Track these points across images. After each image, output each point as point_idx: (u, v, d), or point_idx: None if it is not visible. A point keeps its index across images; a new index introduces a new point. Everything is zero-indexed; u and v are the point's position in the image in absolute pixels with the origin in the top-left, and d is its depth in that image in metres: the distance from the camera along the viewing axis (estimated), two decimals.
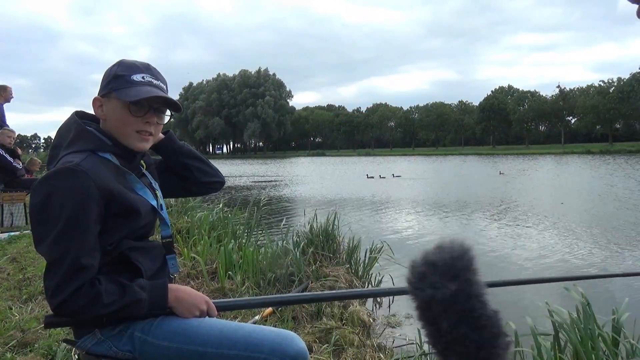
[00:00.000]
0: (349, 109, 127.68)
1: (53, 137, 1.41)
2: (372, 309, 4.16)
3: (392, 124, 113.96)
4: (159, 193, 1.44)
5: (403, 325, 3.80)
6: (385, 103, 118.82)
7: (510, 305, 4.37)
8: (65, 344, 2.28)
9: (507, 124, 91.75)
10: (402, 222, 9.97)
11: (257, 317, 3.02)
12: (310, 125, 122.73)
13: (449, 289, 0.47)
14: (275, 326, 2.75)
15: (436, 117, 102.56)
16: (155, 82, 1.32)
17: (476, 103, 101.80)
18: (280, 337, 1.26)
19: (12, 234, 5.75)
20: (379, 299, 4.33)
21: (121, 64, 1.31)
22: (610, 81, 79.42)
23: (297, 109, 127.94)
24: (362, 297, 3.66)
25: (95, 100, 1.32)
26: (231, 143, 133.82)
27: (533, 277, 5.12)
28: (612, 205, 11.53)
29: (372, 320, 3.56)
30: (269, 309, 3.15)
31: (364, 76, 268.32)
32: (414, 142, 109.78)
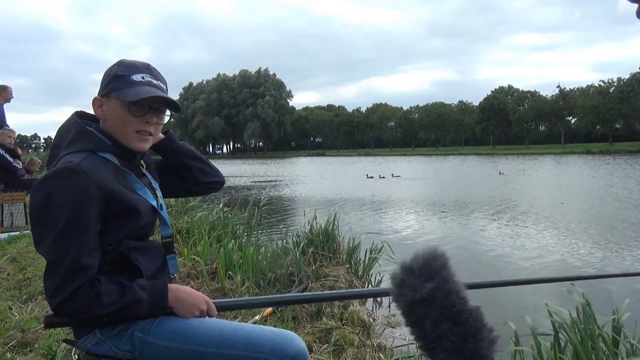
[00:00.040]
0: (349, 109, 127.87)
1: (53, 137, 1.41)
2: (372, 309, 4.16)
3: (392, 124, 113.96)
4: (159, 193, 1.44)
5: (403, 325, 3.79)
6: (385, 103, 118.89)
7: (510, 305, 4.37)
8: (65, 344, 2.28)
9: (507, 124, 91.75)
10: (402, 222, 9.97)
11: (257, 317, 3.02)
12: (310, 125, 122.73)
13: (426, 288, 0.51)
14: (275, 326, 2.75)
15: (436, 117, 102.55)
16: (155, 82, 1.32)
17: (476, 103, 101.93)
18: (280, 337, 1.26)
19: (12, 234, 5.75)
20: (379, 299, 4.33)
21: (121, 64, 1.31)
22: (610, 81, 79.43)
23: (297, 109, 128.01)
24: (362, 297, 3.66)
25: (95, 100, 1.32)
26: (231, 143, 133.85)
27: (533, 277, 5.12)
28: (612, 206, 11.53)
29: (372, 320, 3.56)
30: (269, 309, 3.15)
31: (364, 76, 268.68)
32: (414, 142, 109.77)
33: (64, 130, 1.32)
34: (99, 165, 1.22)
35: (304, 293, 3.30)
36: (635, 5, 0.69)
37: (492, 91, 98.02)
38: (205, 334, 1.25)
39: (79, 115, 1.35)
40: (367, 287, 4.53)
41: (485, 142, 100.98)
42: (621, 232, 8.06)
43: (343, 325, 3.15)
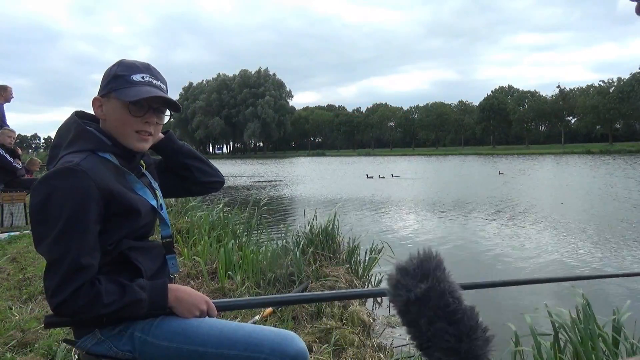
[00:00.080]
0: (349, 109, 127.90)
1: (53, 137, 1.41)
2: (372, 309, 4.16)
3: (392, 124, 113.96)
4: (158, 193, 1.44)
5: (403, 325, 3.80)
6: (385, 103, 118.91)
7: (510, 305, 4.37)
8: (65, 344, 2.28)
9: (507, 124, 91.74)
10: (402, 222, 9.97)
11: (257, 317, 3.02)
12: (310, 125, 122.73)
13: (420, 288, 0.52)
14: (275, 326, 2.75)
15: (436, 117, 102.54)
16: (155, 82, 1.32)
17: (476, 103, 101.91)
18: (280, 337, 1.26)
19: (12, 234, 5.75)
20: (379, 299, 4.33)
21: (121, 64, 1.31)
22: (610, 81, 79.43)
23: (297, 109, 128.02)
24: (362, 297, 3.66)
25: (95, 100, 1.32)
26: (231, 143, 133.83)
27: (533, 277, 5.12)
28: (612, 206, 11.53)
29: (372, 320, 3.56)
30: (269, 309, 3.15)
31: (364, 76, 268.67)
32: (414, 142, 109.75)
33: (63, 130, 1.32)
34: (99, 165, 1.22)
35: (304, 293, 3.30)
36: (635, 3, 0.69)
37: (492, 91, 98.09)
38: (205, 334, 1.25)
39: (79, 115, 1.35)
40: (367, 287, 4.53)
41: (485, 142, 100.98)
42: (621, 233, 8.06)
43: (343, 325, 3.15)
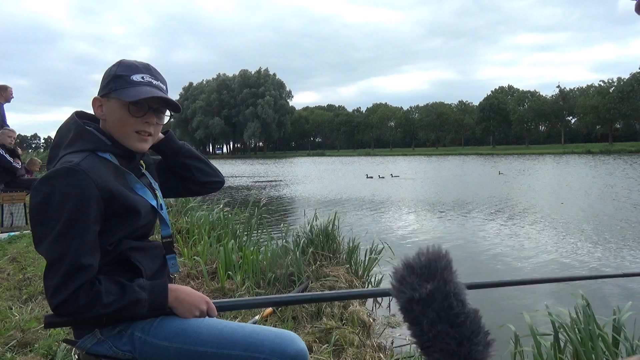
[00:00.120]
0: (349, 109, 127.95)
1: (53, 137, 1.41)
2: (372, 309, 4.17)
3: (392, 124, 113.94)
4: (158, 193, 1.44)
5: (403, 325, 3.78)
6: (385, 103, 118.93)
7: (510, 305, 4.37)
8: (65, 344, 2.28)
9: (507, 124, 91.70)
10: (402, 222, 9.97)
11: (257, 317, 3.02)
12: (310, 125, 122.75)
13: (425, 288, 0.51)
14: (275, 326, 2.75)
15: (436, 117, 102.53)
16: (155, 82, 1.32)
17: (476, 103, 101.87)
18: (280, 338, 1.26)
19: (12, 234, 5.75)
20: (379, 299, 4.33)
21: (121, 64, 1.31)
22: (610, 81, 79.39)
23: (297, 109, 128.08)
24: (362, 297, 3.66)
25: (94, 101, 1.32)
26: (231, 143, 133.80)
27: (533, 277, 5.12)
28: (612, 206, 11.53)
29: (372, 320, 3.56)
30: (269, 309, 3.15)
31: (364, 76, 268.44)
32: (414, 142, 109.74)
33: (63, 130, 1.32)
34: (99, 165, 1.22)
35: (304, 293, 3.30)
36: (635, 2, 0.69)
37: (492, 91, 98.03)
38: (205, 334, 1.25)
39: (79, 115, 1.35)
40: (367, 287, 4.53)
41: (485, 142, 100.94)
42: (621, 233, 8.07)
43: (343, 325, 3.15)
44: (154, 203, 1.36)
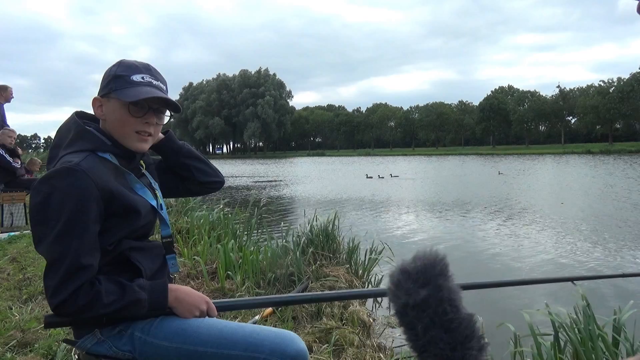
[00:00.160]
0: (349, 109, 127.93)
1: (53, 137, 1.41)
2: (372, 309, 4.16)
3: (392, 124, 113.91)
4: (158, 193, 1.44)
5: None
6: (385, 103, 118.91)
7: (510, 305, 4.37)
8: (65, 344, 2.28)
9: (507, 124, 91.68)
10: (401, 222, 9.97)
11: (257, 317, 3.02)
12: (310, 125, 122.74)
13: (420, 294, 0.51)
14: (275, 326, 2.75)
15: (436, 117, 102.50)
16: (155, 82, 1.32)
17: (476, 103, 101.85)
18: (280, 338, 1.26)
19: (12, 234, 5.75)
20: (379, 299, 4.33)
21: (121, 64, 1.31)
22: (610, 81, 79.37)
23: (297, 109, 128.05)
24: (362, 297, 3.66)
25: (94, 101, 1.32)
26: (231, 143, 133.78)
27: (533, 277, 5.12)
28: (612, 206, 11.54)
29: (372, 320, 3.56)
30: (269, 309, 3.15)
31: (364, 76, 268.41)
32: (414, 142, 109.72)
33: (63, 130, 1.32)
34: (99, 165, 1.22)
35: (304, 293, 3.30)
36: (637, 2, 0.69)
37: (492, 91, 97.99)
38: (205, 334, 1.25)
39: (79, 115, 1.35)
40: (367, 287, 4.53)
41: (485, 142, 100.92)
42: (621, 233, 8.07)
43: (343, 325, 3.15)
44: (154, 203, 1.36)
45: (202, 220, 6.29)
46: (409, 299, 0.52)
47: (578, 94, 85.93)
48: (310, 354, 2.51)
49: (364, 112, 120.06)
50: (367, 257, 4.88)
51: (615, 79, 78.78)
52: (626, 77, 76.26)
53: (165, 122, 1.40)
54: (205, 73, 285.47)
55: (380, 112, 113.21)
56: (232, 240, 4.68)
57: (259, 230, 5.99)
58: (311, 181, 23.67)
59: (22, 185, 6.59)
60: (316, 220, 5.11)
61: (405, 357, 2.83)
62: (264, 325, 2.06)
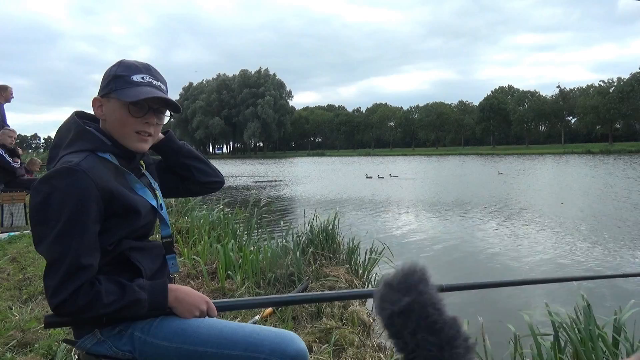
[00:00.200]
0: (349, 109, 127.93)
1: (53, 137, 1.41)
2: (372, 309, 4.16)
3: (392, 124, 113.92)
4: (158, 193, 1.44)
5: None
6: (385, 103, 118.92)
7: (510, 305, 4.37)
8: (65, 344, 2.28)
9: (507, 124, 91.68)
10: (401, 222, 9.97)
11: (257, 317, 3.02)
12: (310, 125, 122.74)
13: (403, 301, 0.55)
14: (275, 326, 2.75)
15: (436, 117, 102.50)
16: (155, 82, 1.32)
17: (476, 103, 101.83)
18: (280, 338, 1.26)
19: (12, 234, 5.75)
20: None
21: (121, 65, 1.31)
22: (610, 81, 79.38)
23: (297, 109, 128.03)
24: (362, 297, 3.65)
25: (95, 101, 1.32)
26: (231, 143, 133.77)
27: (533, 277, 5.13)
28: (612, 206, 11.54)
29: (372, 320, 3.56)
30: (269, 309, 3.15)
31: (364, 76, 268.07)
32: (414, 142, 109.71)
33: (63, 130, 1.32)
34: (99, 165, 1.22)
35: (304, 293, 3.30)
36: (638, 3, 0.69)
37: (492, 91, 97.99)
38: (205, 334, 1.25)
39: (79, 115, 1.35)
40: (367, 287, 4.53)
41: (485, 142, 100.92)
42: (621, 233, 8.07)
43: (343, 325, 3.15)
44: (154, 203, 1.36)
45: (202, 220, 6.29)
46: (394, 307, 0.55)
47: (578, 94, 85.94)
48: (310, 354, 2.51)
49: (364, 112, 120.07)
50: (367, 257, 4.88)
51: (615, 79, 78.87)
52: (626, 77, 76.32)
53: (165, 122, 1.40)
54: (205, 73, 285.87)
55: (380, 112, 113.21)
56: (232, 240, 4.68)
57: (259, 230, 5.99)
58: (311, 181, 23.68)
59: (22, 185, 6.59)
60: (316, 220, 5.11)
61: None
62: (264, 325, 2.06)
